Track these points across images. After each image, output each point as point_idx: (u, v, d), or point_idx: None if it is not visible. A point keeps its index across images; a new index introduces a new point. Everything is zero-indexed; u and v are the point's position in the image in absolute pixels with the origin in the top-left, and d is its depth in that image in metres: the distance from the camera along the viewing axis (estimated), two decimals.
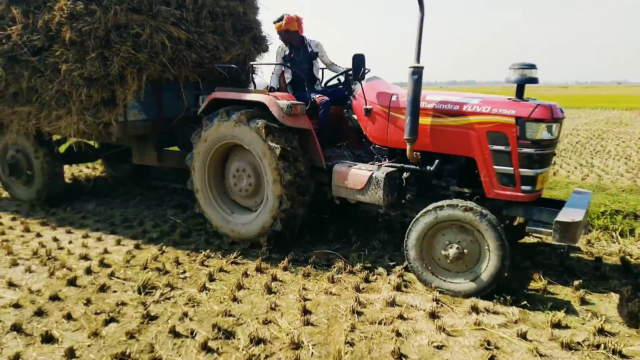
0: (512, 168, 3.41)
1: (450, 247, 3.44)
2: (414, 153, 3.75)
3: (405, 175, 3.98)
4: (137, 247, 4.42)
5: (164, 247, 4.39)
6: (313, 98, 4.49)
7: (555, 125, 3.38)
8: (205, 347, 2.74)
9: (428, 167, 3.84)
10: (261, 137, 4.01)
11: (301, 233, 4.57)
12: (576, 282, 3.56)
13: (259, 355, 2.70)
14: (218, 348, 2.77)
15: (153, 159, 5.42)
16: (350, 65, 4.12)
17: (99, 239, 4.66)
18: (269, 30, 5.99)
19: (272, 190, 4.10)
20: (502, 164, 3.45)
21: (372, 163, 4.19)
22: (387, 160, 4.13)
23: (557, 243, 3.16)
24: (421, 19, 3.47)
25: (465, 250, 3.41)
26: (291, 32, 4.74)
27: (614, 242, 4.65)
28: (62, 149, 6.27)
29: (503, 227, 3.34)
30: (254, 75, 4.89)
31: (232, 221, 4.48)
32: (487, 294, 3.36)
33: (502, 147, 3.42)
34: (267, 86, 4.67)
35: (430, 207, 3.47)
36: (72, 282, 3.59)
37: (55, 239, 4.64)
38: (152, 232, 4.89)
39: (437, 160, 3.80)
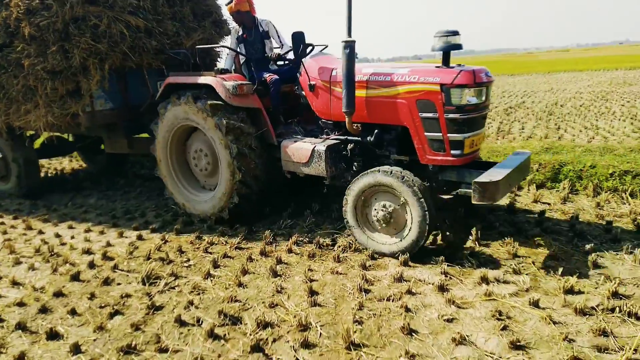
0: (441, 134, 3.53)
1: (381, 211, 3.61)
2: (354, 125, 3.92)
3: (349, 147, 4.10)
4: (139, 238, 4.37)
5: (166, 236, 4.34)
6: (264, 77, 4.57)
7: (481, 90, 3.48)
8: (212, 335, 2.70)
9: (369, 138, 3.96)
10: (208, 115, 4.18)
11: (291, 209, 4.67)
12: (587, 246, 3.49)
13: (267, 339, 2.65)
14: (225, 334, 2.72)
15: (124, 146, 5.52)
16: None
17: (101, 233, 4.61)
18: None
19: (225, 165, 4.27)
20: (431, 131, 3.57)
21: (320, 137, 4.30)
22: (333, 134, 4.25)
23: (477, 203, 3.24)
24: None
25: (392, 213, 3.57)
26: (242, 13, 4.80)
27: (625, 204, 4.55)
28: (37, 143, 6.40)
29: (426, 189, 3.45)
30: (219, 59, 5.07)
31: (196, 199, 4.72)
32: (414, 255, 3.49)
33: (430, 114, 3.54)
34: (218, 68, 4.63)
35: (359, 175, 3.66)
36: (75, 277, 3.55)
37: (58, 235, 4.60)
38: (154, 222, 4.82)
39: (376, 131, 3.93)
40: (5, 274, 3.73)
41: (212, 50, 5.07)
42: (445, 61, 3.59)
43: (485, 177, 3.23)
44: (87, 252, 4.08)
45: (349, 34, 3.61)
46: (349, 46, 3.59)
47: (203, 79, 4.34)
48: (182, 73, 4.67)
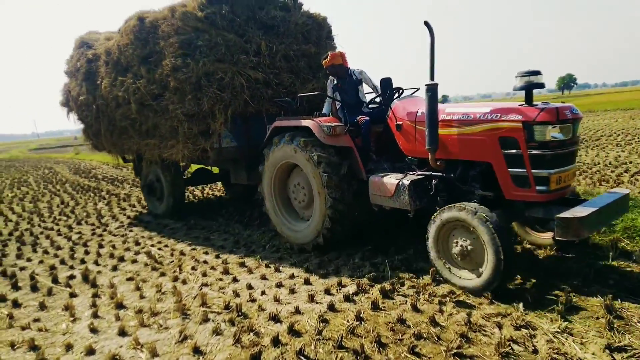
0: (525, 170, 3.59)
1: (456, 246, 3.74)
2: (437, 162, 4.13)
3: (434, 182, 4.27)
4: (330, 307, 3.62)
5: (361, 311, 3.48)
6: (356, 119, 5.04)
7: (565, 126, 3.49)
8: None
9: (452, 174, 4.18)
10: (303, 151, 4.76)
11: None
12: None
13: None
14: None
15: (244, 178, 6.47)
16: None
17: (292, 291, 4.04)
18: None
19: (317, 193, 4.81)
20: (515, 167, 3.66)
21: (406, 173, 4.55)
22: (417, 170, 4.51)
23: (560, 239, 3.29)
24: (432, 41, 3.83)
25: (469, 248, 3.65)
26: (336, 66, 5.36)
27: None
28: (187, 173, 8.33)
29: (501, 226, 3.43)
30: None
31: (296, 230, 5.25)
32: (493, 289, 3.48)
33: (513, 151, 3.63)
34: (315, 113, 5.19)
35: (438, 211, 3.82)
36: (255, 359, 2.94)
37: (250, 287, 4.22)
38: (348, 284, 4.07)
39: (459, 167, 4.14)
40: (191, 333, 3.39)
41: (318, 98, 5.76)
42: (528, 99, 3.66)
43: (569, 212, 3.28)
44: (274, 318, 3.50)
45: (432, 78, 3.88)
46: (432, 89, 3.87)
47: (303, 122, 4.89)
48: (287, 118, 5.24)
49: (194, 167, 8.43)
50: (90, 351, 3.24)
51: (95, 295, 4.33)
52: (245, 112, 5.87)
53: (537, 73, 3.52)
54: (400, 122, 4.57)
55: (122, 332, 3.49)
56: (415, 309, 3.50)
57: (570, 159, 3.71)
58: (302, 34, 6.47)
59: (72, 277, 4.96)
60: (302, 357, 2.93)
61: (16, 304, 4.28)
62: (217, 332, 3.37)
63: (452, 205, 3.71)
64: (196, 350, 3.13)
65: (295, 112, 5.35)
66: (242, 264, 4.90)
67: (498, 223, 3.42)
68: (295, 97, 5.56)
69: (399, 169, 4.76)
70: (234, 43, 5.79)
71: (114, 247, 6.10)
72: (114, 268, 5.15)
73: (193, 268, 4.94)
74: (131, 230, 7.01)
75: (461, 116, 3.99)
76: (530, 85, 3.53)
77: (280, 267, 4.70)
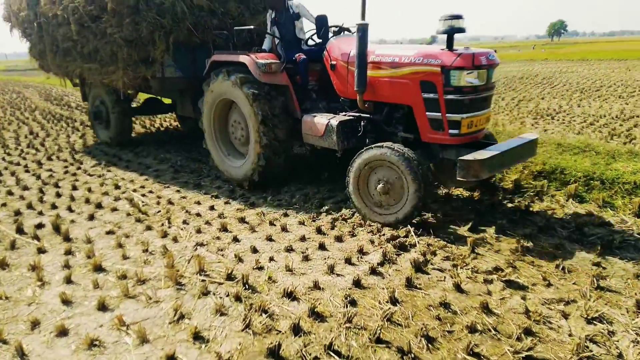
0: (440, 114, 3.72)
1: (379, 183, 3.86)
2: (365, 103, 4.21)
3: (362, 123, 4.32)
4: (356, 283, 3.02)
5: (395, 290, 2.89)
6: (294, 57, 4.84)
7: (481, 72, 3.61)
8: None
9: (378, 116, 4.29)
10: (239, 87, 4.65)
11: None
12: None
13: None
14: None
15: (190, 111, 6.26)
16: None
17: (306, 258, 3.42)
18: None
19: (253, 131, 4.72)
20: (432, 110, 3.77)
21: (337, 113, 4.53)
22: (350, 110, 4.50)
23: (461, 179, 3.46)
24: None
25: (390, 185, 3.82)
26: None
27: None
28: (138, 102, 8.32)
29: (421, 165, 3.62)
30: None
31: (234, 166, 5.22)
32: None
33: (431, 95, 3.73)
34: (254, 48, 5.06)
35: (364, 149, 3.93)
36: (272, 353, 2.34)
37: (254, 250, 3.58)
38: (370, 252, 3.47)
39: (385, 109, 4.27)
40: (188, 311, 2.76)
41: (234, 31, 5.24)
42: (449, 44, 3.66)
43: (470, 155, 3.43)
44: (290, 295, 2.89)
45: (363, 17, 3.87)
46: (362, 29, 3.81)
47: (239, 58, 4.80)
48: (226, 52, 5.11)
49: (144, 96, 8.01)
50: (62, 332, 2.58)
51: (68, 252, 3.63)
52: (189, 41, 5.69)
53: (459, 17, 3.52)
54: (334, 62, 4.53)
55: (102, 306, 2.82)
56: (458, 288, 2.94)
57: (483, 105, 3.84)
58: None
59: (40, 225, 4.21)
60: (331, 353, 2.35)
61: None
62: (220, 311, 2.74)
63: (380, 144, 3.82)
64: (197, 337, 2.51)
65: (237, 47, 5.22)
66: (242, 220, 4.23)
67: (416, 158, 3.61)
68: (230, 30, 5.34)
69: (333, 109, 4.73)
70: None
71: (89, 190, 5.32)
72: (91, 217, 4.41)
73: (184, 222, 4.25)
74: (109, 170, 6.20)
75: (389, 58, 4.00)
76: (451, 30, 3.55)
77: (288, 226, 4.05)
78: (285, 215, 4.37)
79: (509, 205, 4.42)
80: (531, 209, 4.22)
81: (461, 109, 3.66)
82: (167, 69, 5.81)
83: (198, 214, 4.44)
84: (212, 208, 4.60)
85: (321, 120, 4.39)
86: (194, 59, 5.91)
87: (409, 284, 2.99)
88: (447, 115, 3.68)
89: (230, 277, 3.14)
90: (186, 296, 2.96)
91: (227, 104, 5.15)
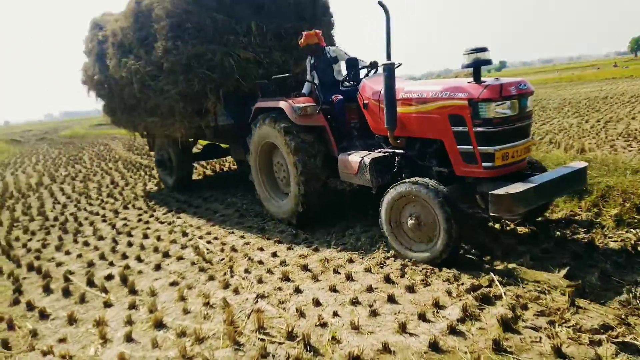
0: (472, 147, 3.62)
1: (410, 219, 3.79)
2: (397, 140, 4.23)
3: (397, 159, 4.30)
4: (433, 346, 2.62)
5: (481, 356, 2.45)
6: (330, 98, 5.01)
7: (512, 102, 3.50)
8: None
9: (411, 151, 4.26)
10: (281, 135, 4.88)
11: None
12: None
13: None
14: None
15: (242, 155, 6.36)
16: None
17: (374, 313, 3.06)
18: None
19: (292, 179, 4.94)
20: (463, 144, 3.68)
21: (374, 151, 4.56)
22: (385, 147, 4.54)
23: (493, 214, 3.39)
24: (387, 20, 3.90)
25: (422, 222, 3.72)
26: (311, 46, 5.31)
27: None
28: (195, 150, 8.60)
29: (450, 198, 3.49)
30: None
31: (273, 202, 5.52)
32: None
33: (461, 128, 3.66)
34: (293, 93, 5.24)
35: (392, 185, 3.87)
36: None
37: (317, 303, 3.30)
38: (447, 305, 3.06)
39: (417, 144, 4.24)
40: None
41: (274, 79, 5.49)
42: (476, 76, 3.63)
43: (502, 189, 3.31)
44: (356, 359, 2.56)
45: (388, 57, 3.95)
46: (388, 68, 3.91)
47: (277, 104, 5.04)
48: (268, 99, 5.36)
49: (204, 142, 8.46)
50: None
51: (132, 306, 3.59)
52: (238, 91, 5.97)
53: (484, 50, 3.51)
54: (367, 101, 4.62)
55: None
56: (559, 353, 2.44)
57: (518, 134, 3.69)
58: (295, 11, 6.42)
59: (110, 277, 4.27)
60: None
61: (43, 315, 3.62)
62: None
63: (405, 180, 3.80)
64: None
65: (278, 93, 5.34)
66: (305, 267, 4.00)
67: (447, 194, 3.51)
68: (271, 78, 5.53)
69: (370, 146, 4.76)
70: (223, 24, 5.89)
71: (159, 238, 5.40)
72: (157, 267, 4.42)
73: (246, 270, 4.11)
74: (179, 217, 6.31)
75: (417, 95, 4.02)
76: (477, 63, 3.53)
77: (353, 274, 3.75)
78: (350, 261, 4.06)
79: (612, 244, 3.80)
80: None
81: (493, 141, 3.55)
82: (220, 118, 6.14)
83: (260, 262, 4.28)
84: (274, 255, 4.42)
85: (355, 158, 4.44)
86: (243, 107, 6.09)
87: (497, 346, 2.54)
88: (479, 148, 3.58)
89: (291, 336, 2.88)
90: (244, 358, 2.73)
91: (270, 146, 5.36)
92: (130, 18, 6.63)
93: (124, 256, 4.86)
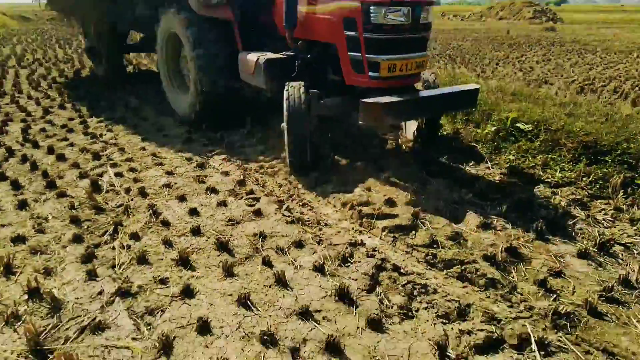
0: (360, 54, 3.43)
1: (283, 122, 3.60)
2: (297, 41, 3.91)
3: (296, 63, 3.95)
4: None
5: None
6: None
7: (405, 10, 3.31)
8: None
9: (308, 55, 3.95)
10: (182, 26, 4.55)
11: None
12: None
13: None
14: None
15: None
16: None
17: None
18: None
19: (192, 75, 4.61)
20: (353, 50, 3.48)
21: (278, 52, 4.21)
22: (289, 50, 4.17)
23: (360, 123, 3.31)
24: None
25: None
26: None
27: None
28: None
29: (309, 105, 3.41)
30: None
31: (177, 97, 5.19)
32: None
33: (352, 33, 3.44)
34: None
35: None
36: None
37: None
38: None
39: (315, 48, 3.94)
40: None
41: None
42: None
43: (372, 99, 3.21)
44: None
45: None
46: None
47: None
48: None
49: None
50: None
51: None
52: None
53: None
54: None
55: None
56: None
57: (409, 47, 3.48)
58: None
59: None
60: None
61: None
62: None
63: (288, 82, 3.55)
64: None
65: None
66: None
67: (295, 99, 3.38)
68: None
69: (276, 48, 4.30)
70: None
71: (63, 157, 3.94)
72: (22, 205, 2.99)
73: (135, 236, 2.65)
74: (111, 130, 4.80)
75: None
76: None
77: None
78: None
79: None
80: None
81: (381, 50, 3.38)
82: (138, 6, 5.64)
83: (166, 222, 2.80)
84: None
85: (252, 57, 4.11)
86: None
87: None
88: (366, 55, 3.41)
89: None
90: None
91: (177, 37, 4.90)
92: None
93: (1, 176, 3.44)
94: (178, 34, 4.73)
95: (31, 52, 10.98)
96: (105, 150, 4.13)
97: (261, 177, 3.57)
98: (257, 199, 3.15)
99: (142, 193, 3.22)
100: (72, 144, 4.30)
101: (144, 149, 4.23)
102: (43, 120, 5.07)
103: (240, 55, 4.34)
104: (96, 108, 5.64)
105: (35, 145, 4.22)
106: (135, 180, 3.46)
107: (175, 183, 3.44)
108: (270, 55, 4.04)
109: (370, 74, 3.41)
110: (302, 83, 3.47)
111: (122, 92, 6.49)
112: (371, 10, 3.28)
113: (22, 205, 3.00)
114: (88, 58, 8.31)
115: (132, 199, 3.14)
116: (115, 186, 3.36)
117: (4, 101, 5.97)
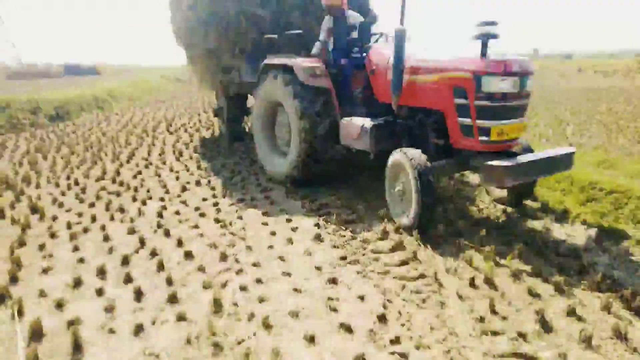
0: (470, 119, 3.69)
1: (398, 186, 4.00)
2: (400, 108, 4.30)
3: (398, 128, 4.44)
4: None
5: None
6: (340, 62, 5.10)
7: (513, 79, 3.53)
8: None
9: (412, 121, 4.37)
10: (289, 95, 4.89)
11: None
12: None
13: None
14: None
15: None
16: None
17: None
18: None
19: (295, 134, 4.95)
20: (463, 116, 3.74)
21: (377, 117, 4.57)
22: (388, 116, 4.55)
23: (485, 184, 3.92)
24: None
25: (405, 190, 3.90)
26: (334, 7, 5.26)
27: None
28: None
29: (429, 172, 3.66)
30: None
31: (271, 160, 5.62)
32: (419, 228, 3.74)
33: (462, 100, 3.71)
34: (302, 52, 5.36)
35: (391, 154, 4.04)
36: None
37: None
38: None
39: (418, 114, 4.30)
40: None
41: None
42: (483, 50, 3.61)
43: (496, 161, 3.45)
44: None
45: (401, 23, 3.96)
46: (399, 35, 3.93)
47: (286, 61, 5.02)
48: (277, 56, 5.39)
49: None
50: None
51: None
52: (262, 49, 5.99)
53: (493, 23, 3.50)
54: (374, 67, 4.65)
55: None
56: None
57: (515, 113, 3.72)
58: None
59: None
60: None
61: None
62: None
63: (399, 149, 3.90)
64: None
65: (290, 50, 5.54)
66: None
67: (424, 167, 3.64)
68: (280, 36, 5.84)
69: (372, 114, 4.70)
70: None
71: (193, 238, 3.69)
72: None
73: None
74: (240, 218, 4.55)
75: (425, 64, 4.02)
76: (485, 36, 3.51)
77: None
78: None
79: None
80: None
81: (492, 116, 3.60)
82: (244, 75, 6.46)
83: None
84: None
85: (357, 122, 4.50)
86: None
87: None
88: (477, 121, 3.63)
89: None
90: None
91: (274, 104, 5.36)
92: None
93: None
94: (281, 102, 5.13)
95: (179, 116, 12.02)
96: (233, 247, 3.82)
97: (405, 308, 2.86)
98: (405, 357, 2.42)
99: (266, 325, 2.71)
100: (201, 235, 4.08)
101: (271, 247, 3.83)
102: (179, 200, 5.05)
103: (344, 120, 4.77)
104: (229, 186, 5.55)
105: (167, 234, 4.08)
106: (260, 300, 2.99)
107: (303, 309, 2.88)
108: (376, 120, 4.44)
109: (480, 138, 3.69)
110: (420, 152, 3.77)
111: (255, 166, 6.40)
112: (483, 80, 3.53)
113: (138, 330, 2.68)
114: (217, 119, 8.89)
115: (254, 334, 2.64)
116: (237, 305, 2.93)
117: (149, 173, 6.25)
